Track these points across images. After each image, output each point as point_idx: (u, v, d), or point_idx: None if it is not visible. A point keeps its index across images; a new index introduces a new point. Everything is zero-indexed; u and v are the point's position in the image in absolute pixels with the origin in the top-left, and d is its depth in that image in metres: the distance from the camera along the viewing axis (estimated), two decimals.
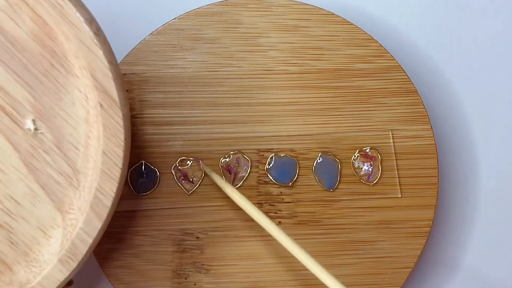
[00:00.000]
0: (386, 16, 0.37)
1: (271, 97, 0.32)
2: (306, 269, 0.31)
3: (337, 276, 0.31)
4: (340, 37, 0.32)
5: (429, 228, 0.31)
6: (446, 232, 0.36)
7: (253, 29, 0.32)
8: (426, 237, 0.31)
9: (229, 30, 0.32)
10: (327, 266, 0.31)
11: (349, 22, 0.32)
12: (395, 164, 0.32)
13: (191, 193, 0.31)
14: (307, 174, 0.32)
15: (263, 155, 0.32)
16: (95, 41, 0.22)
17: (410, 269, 0.31)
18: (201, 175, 0.31)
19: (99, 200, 0.23)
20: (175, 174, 0.31)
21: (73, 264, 0.24)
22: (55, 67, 0.23)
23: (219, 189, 0.31)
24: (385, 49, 0.32)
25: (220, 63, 0.32)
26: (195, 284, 0.30)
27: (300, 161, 0.32)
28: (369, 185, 0.32)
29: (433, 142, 0.32)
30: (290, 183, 0.31)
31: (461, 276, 0.35)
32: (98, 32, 0.22)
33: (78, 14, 0.22)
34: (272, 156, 0.31)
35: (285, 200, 0.31)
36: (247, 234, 0.31)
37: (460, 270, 0.35)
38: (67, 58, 0.23)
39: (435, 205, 0.32)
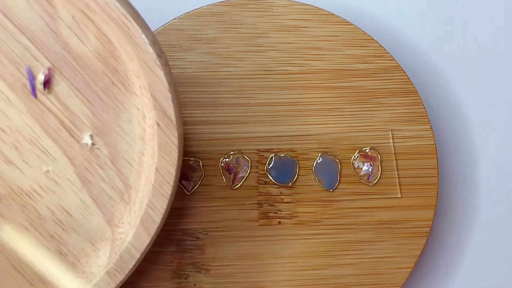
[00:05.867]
0: (386, 16, 0.37)
1: (271, 97, 0.32)
2: (306, 269, 0.31)
3: (337, 276, 0.31)
4: (340, 38, 0.32)
5: (429, 228, 0.31)
6: (446, 232, 0.36)
7: (253, 29, 0.32)
8: (426, 237, 0.31)
9: (229, 30, 0.32)
10: (327, 266, 0.31)
11: (349, 22, 0.32)
12: (395, 164, 0.32)
13: (191, 193, 0.31)
14: (307, 174, 0.32)
15: (263, 155, 0.32)
16: (158, 62, 0.23)
17: (410, 269, 0.31)
18: (201, 175, 0.31)
19: (149, 216, 0.24)
20: None
21: (120, 277, 0.24)
22: (116, 85, 0.24)
23: (219, 189, 0.31)
24: (385, 49, 0.32)
25: (220, 63, 0.32)
26: (195, 284, 0.30)
27: (300, 161, 0.32)
28: (369, 185, 0.32)
29: (433, 142, 0.32)
30: (290, 183, 0.31)
31: (461, 276, 0.35)
32: (160, 54, 0.23)
33: (143, 36, 0.22)
34: (272, 156, 0.31)
35: (285, 200, 0.31)
36: (247, 234, 0.31)
37: (460, 270, 0.35)
38: (128, 77, 0.24)
39: (435, 205, 0.32)
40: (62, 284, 0.25)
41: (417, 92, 0.32)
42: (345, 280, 0.31)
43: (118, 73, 0.24)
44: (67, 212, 0.25)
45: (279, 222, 0.31)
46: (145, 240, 0.24)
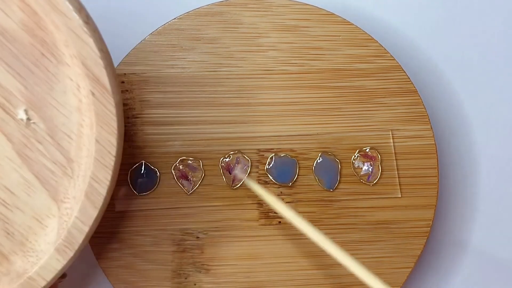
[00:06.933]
0: (386, 16, 0.37)
1: (271, 97, 0.32)
2: (306, 269, 0.31)
3: (337, 276, 0.31)
4: (340, 37, 0.32)
5: (429, 228, 0.31)
6: (446, 232, 0.36)
7: (253, 29, 0.32)
8: (426, 237, 0.31)
9: (229, 30, 0.32)
10: (327, 266, 0.31)
11: (349, 22, 0.32)
12: (395, 164, 0.32)
13: (191, 193, 0.31)
14: (307, 174, 0.32)
15: (263, 155, 0.32)
16: (85, 29, 0.22)
17: (410, 269, 0.31)
18: (201, 175, 0.31)
19: (93, 189, 0.23)
20: (175, 174, 0.31)
21: (70, 253, 0.24)
22: (46, 57, 0.23)
23: (219, 189, 0.31)
24: (385, 49, 0.32)
25: (220, 63, 0.32)
26: (195, 284, 0.30)
27: (300, 161, 0.32)
28: (369, 185, 0.32)
29: (433, 142, 0.32)
30: (290, 183, 0.31)
31: (461, 276, 0.35)
32: (87, 20, 0.22)
33: (67, 3, 0.22)
34: (272, 156, 0.31)
35: (285, 200, 0.31)
36: (247, 234, 0.31)
37: (460, 270, 0.35)
38: (58, 47, 0.23)
39: (435, 205, 0.32)
40: (11, 264, 0.25)
41: (417, 92, 0.32)
42: (345, 280, 0.31)
43: (47, 44, 0.23)
44: (10, 191, 0.24)
45: (279, 222, 0.31)
46: (92, 213, 0.23)
